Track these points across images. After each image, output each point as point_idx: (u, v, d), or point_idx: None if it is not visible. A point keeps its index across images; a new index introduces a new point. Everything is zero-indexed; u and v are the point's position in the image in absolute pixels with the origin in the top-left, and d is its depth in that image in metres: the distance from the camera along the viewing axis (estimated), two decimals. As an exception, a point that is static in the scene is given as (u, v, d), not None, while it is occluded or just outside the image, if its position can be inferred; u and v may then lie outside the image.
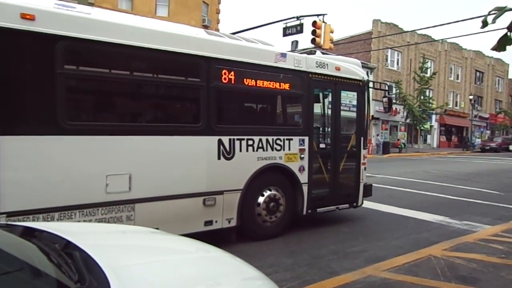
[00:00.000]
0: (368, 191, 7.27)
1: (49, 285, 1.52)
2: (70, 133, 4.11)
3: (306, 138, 6.16)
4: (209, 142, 5.14)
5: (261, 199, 5.72)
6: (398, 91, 33.82)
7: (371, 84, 7.58)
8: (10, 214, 3.74)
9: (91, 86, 4.76)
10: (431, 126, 41.32)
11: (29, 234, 2.10)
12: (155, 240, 2.60)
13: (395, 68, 38.90)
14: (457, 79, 46.75)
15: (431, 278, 4.21)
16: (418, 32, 37.05)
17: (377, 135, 34.02)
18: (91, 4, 22.11)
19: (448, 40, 41.91)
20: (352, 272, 4.40)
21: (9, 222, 3.48)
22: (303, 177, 6.12)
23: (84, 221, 4.16)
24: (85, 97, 4.83)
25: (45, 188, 3.96)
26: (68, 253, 1.84)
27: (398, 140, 34.60)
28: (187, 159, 4.95)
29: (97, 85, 4.75)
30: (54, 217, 3.99)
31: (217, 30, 28.06)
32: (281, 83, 5.93)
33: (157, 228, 3.57)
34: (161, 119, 5.21)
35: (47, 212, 3.95)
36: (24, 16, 3.80)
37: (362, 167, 7.02)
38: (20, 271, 1.60)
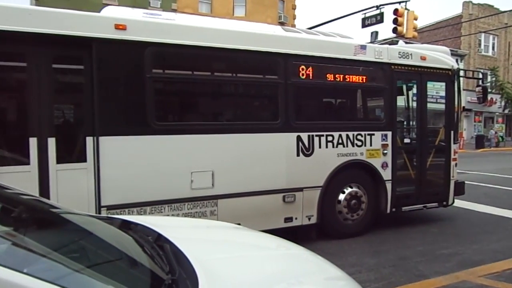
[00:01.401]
0: (460, 189, 6.71)
1: (144, 274, 1.65)
2: (158, 133, 4.41)
3: (389, 133, 5.87)
4: (288, 139, 5.15)
5: (342, 196, 5.59)
6: (494, 79, 30.64)
7: (462, 73, 6.96)
8: (109, 208, 4.14)
9: (176, 88, 5.06)
10: (535, 117, 36.78)
11: (126, 226, 2.29)
12: (238, 235, 2.67)
13: (490, 53, 35.27)
14: None
15: (539, 288, 3.76)
16: (518, 11, 33.07)
17: (495, 132, 29.88)
18: (174, 10, 23.49)
19: (556, 18, 36.81)
20: (444, 276, 4.10)
21: (109, 215, 3.84)
22: (387, 174, 5.85)
23: (172, 215, 4.44)
24: (171, 98, 5.15)
25: (138, 184, 4.30)
26: (159, 245, 1.98)
27: (495, 132, 31.37)
28: (266, 156, 5.01)
29: (181, 86, 5.04)
30: (146, 211, 4.32)
31: (293, 26, 27.97)
32: (361, 77, 5.72)
33: (239, 224, 3.67)
34: (241, 117, 5.35)
35: (140, 206, 4.29)
36: (117, 27, 4.16)
37: (452, 163, 6.50)
38: (120, 261, 1.76)
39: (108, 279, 1.45)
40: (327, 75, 5.45)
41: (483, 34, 33.92)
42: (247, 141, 4.91)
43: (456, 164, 6.63)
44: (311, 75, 5.28)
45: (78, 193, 4.03)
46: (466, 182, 7.17)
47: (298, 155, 5.18)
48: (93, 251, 1.80)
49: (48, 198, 3.80)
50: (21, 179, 3.72)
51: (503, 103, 30.88)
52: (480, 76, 7.64)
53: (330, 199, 5.48)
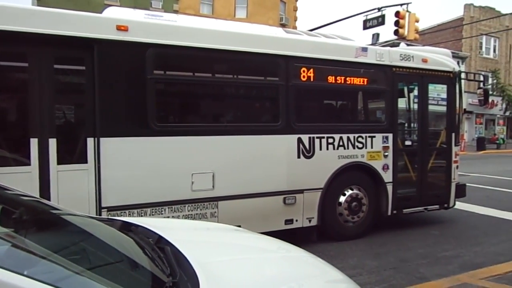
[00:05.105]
0: (461, 191, 6.69)
1: (144, 277, 1.64)
2: (159, 134, 4.41)
3: (390, 135, 5.87)
4: (289, 141, 5.14)
5: (342, 199, 5.58)
6: (495, 81, 30.61)
7: (463, 75, 6.96)
8: (110, 209, 4.13)
9: (177, 89, 5.05)
10: (536, 119, 36.69)
11: (126, 228, 2.29)
12: (238, 237, 2.67)
13: (491, 56, 35.24)
14: None
15: (540, 291, 3.74)
16: (520, 14, 33.01)
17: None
18: (176, 12, 23.52)
19: (558, 21, 36.72)
20: (445, 279, 4.09)
21: (110, 217, 3.84)
22: (387, 176, 5.84)
23: (172, 217, 4.43)
24: (172, 100, 5.14)
25: (139, 185, 4.29)
26: (160, 247, 1.97)
27: (495, 135, 31.34)
28: (267, 158, 5.01)
29: (182, 88, 5.03)
30: (147, 213, 4.31)
31: (295, 27, 28.01)
32: (363, 79, 5.71)
33: (239, 226, 3.67)
34: (241, 119, 5.34)
35: (140, 208, 4.28)
36: (119, 28, 4.16)
37: (453, 165, 6.49)
38: (120, 263, 1.75)
39: (109, 281, 1.44)
40: (328, 77, 5.45)
41: (484, 37, 33.91)
42: (248, 143, 4.90)
43: (457, 166, 6.62)
44: (312, 77, 5.27)
45: (79, 194, 4.02)
46: (467, 184, 7.15)
47: (298, 157, 5.18)
48: (93, 253, 1.80)
49: (49, 199, 3.79)
50: (21, 180, 3.71)
51: (504, 106, 30.84)
52: (481, 78, 7.65)
53: (331, 201, 5.47)
